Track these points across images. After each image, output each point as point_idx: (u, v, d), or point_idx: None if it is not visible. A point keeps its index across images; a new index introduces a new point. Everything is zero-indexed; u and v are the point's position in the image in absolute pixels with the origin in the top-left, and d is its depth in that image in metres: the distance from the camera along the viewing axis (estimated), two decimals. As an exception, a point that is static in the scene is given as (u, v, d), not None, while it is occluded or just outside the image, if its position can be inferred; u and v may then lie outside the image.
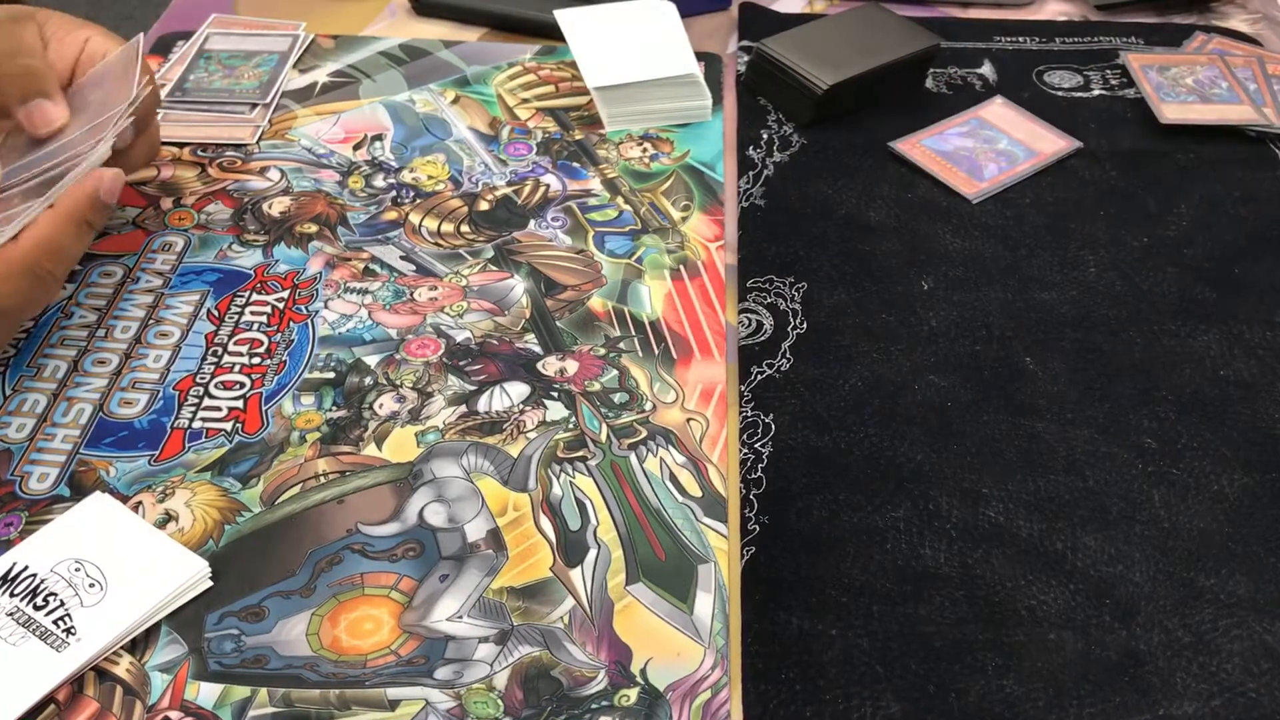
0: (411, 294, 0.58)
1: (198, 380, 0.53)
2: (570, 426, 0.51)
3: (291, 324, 0.56)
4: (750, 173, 0.67)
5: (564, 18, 0.73)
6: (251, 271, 0.59)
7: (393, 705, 0.41)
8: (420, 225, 0.62)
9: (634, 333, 0.56)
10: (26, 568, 0.43)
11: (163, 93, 0.70)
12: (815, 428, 0.52)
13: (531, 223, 0.63)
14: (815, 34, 0.72)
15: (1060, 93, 0.74)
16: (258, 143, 0.68)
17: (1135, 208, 0.65)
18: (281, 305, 0.57)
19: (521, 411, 0.52)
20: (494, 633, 0.43)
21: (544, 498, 0.48)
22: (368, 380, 0.53)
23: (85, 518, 0.46)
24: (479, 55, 0.76)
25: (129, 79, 0.54)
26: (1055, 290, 0.59)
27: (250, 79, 0.71)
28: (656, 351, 0.55)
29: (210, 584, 0.44)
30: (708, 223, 0.63)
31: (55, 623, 0.42)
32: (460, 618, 0.44)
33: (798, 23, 0.75)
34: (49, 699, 0.40)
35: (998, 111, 0.72)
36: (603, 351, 0.55)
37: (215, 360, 0.54)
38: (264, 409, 0.52)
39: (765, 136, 0.70)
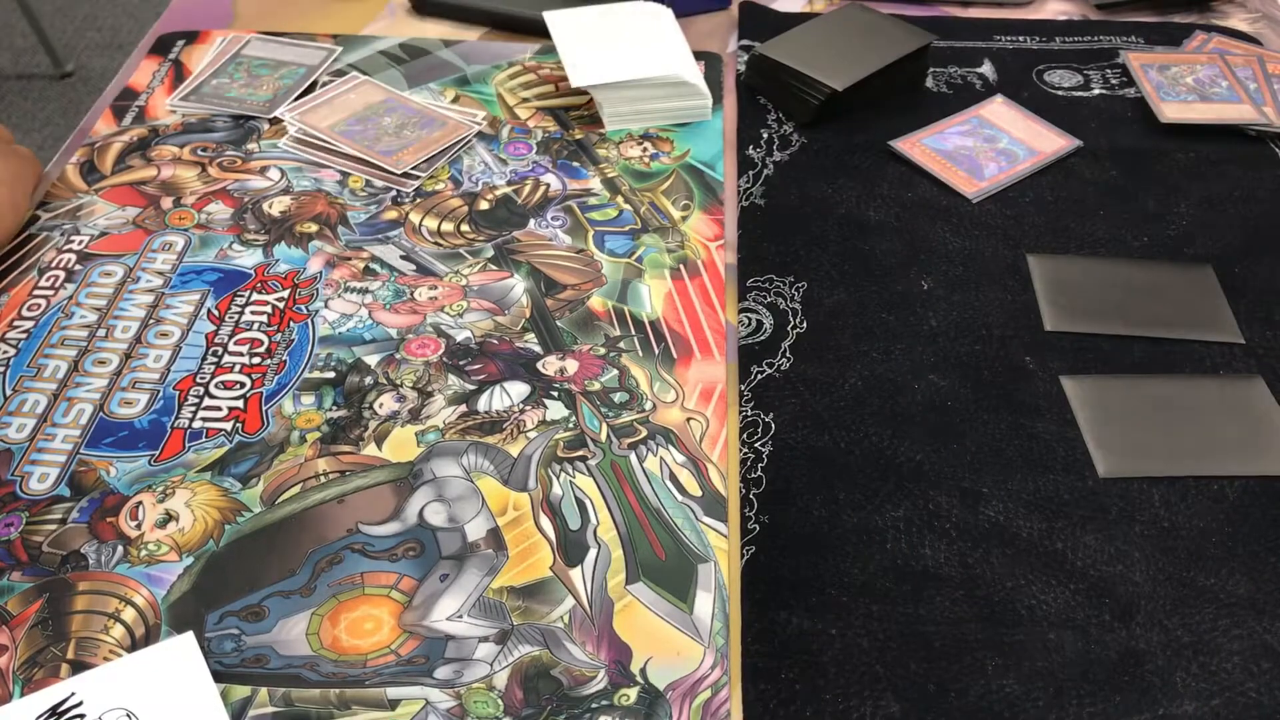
0: (411, 293, 0.58)
1: (198, 380, 0.53)
2: (570, 426, 0.51)
3: (292, 324, 0.56)
4: (750, 172, 0.67)
5: (552, 17, 0.73)
6: (252, 271, 0.59)
7: (393, 705, 0.41)
8: (420, 225, 0.62)
9: (634, 332, 0.56)
10: (80, 704, 0.41)
11: (181, 90, 0.71)
12: (815, 427, 0.52)
13: (531, 222, 0.63)
14: (810, 36, 0.72)
15: (1060, 92, 0.74)
16: (258, 142, 0.68)
17: (1135, 207, 0.65)
18: (282, 305, 0.57)
19: (521, 411, 0.52)
20: (494, 632, 0.43)
21: (544, 497, 0.48)
22: (368, 380, 0.53)
23: (160, 660, 0.42)
24: (479, 54, 0.76)
25: None
26: (1055, 290, 0.59)
27: (267, 90, 0.71)
28: (656, 351, 0.55)
29: None
30: (708, 222, 0.63)
31: None
32: (460, 617, 0.44)
33: (797, 22, 0.75)
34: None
35: (998, 110, 0.72)
36: (603, 351, 0.55)
37: (215, 360, 0.54)
38: (264, 409, 0.52)
39: (765, 136, 0.70)
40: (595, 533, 0.47)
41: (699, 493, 0.49)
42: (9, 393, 0.52)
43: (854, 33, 0.72)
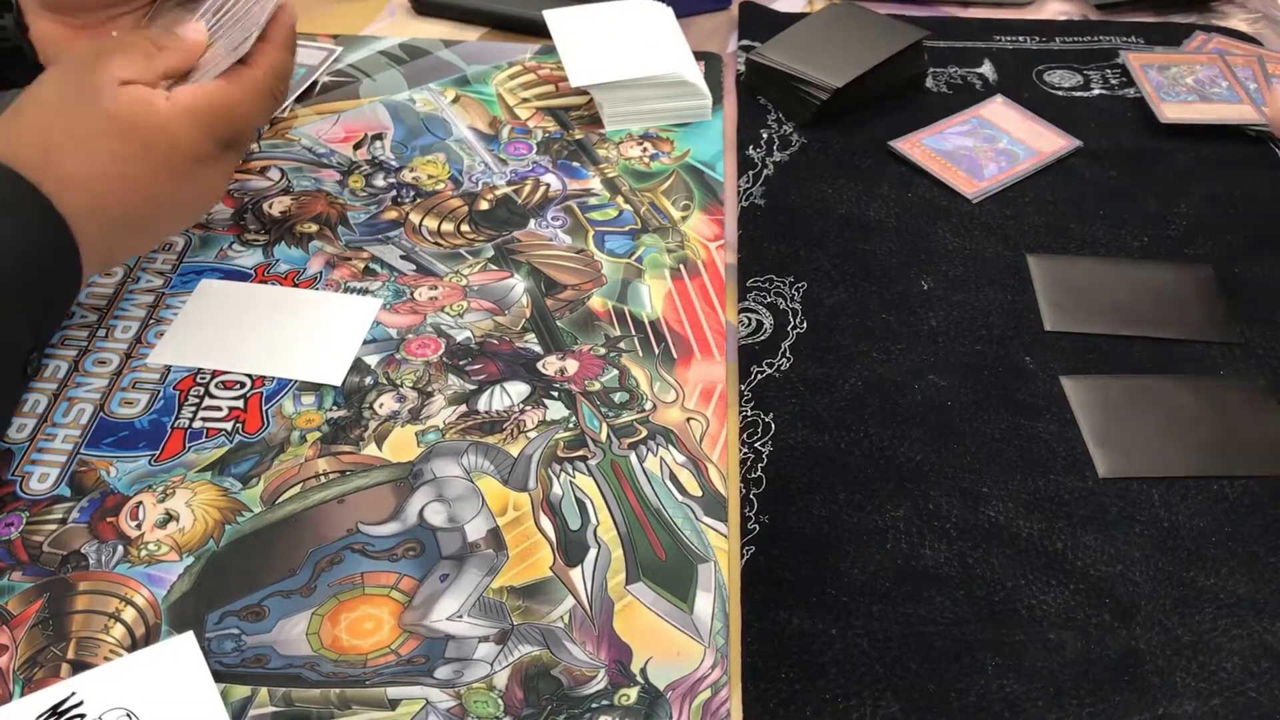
0: (412, 293, 0.58)
1: (198, 380, 0.53)
2: (570, 426, 0.51)
3: (292, 324, 0.56)
4: (750, 172, 0.67)
5: (551, 16, 0.73)
6: (252, 271, 0.59)
7: (393, 705, 0.41)
8: (420, 225, 0.62)
9: (634, 332, 0.56)
10: (80, 703, 0.40)
11: None
12: (815, 427, 0.52)
13: (531, 222, 0.63)
14: (804, 36, 0.72)
15: (1060, 92, 0.74)
16: (258, 142, 0.68)
17: (1135, 208, 0.65)
18: (282, 305, 0.57)
19: (521, 411, 0.52)
20: (494, 632, 0.43)
21: (544, 497, 0.48)
22: (368, 380, 0.53)
23: (160, 660, 0.42)
24: (479, 55, 0.76)
25: None
26: (1055, 290, 0.59)
27: None
28: (656, 351, 0.55)
29: None
30: (708, 222, 0.63)
31: None
32: (460, 617, 0.44)
33: (797, 22, 0.75)
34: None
35: (998, 110, 0.72)
36: (603, 351, 0.55)
37: (215, 360, 0.54)
38: (264, 409, 0.52)
39: (765, 136, 0.70)
40: (595, 533, 0.47)
41: (699, 493, 0.49)
42: (9, 393, 0.52)
43: (847, 31, 0.72)
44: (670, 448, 0.50)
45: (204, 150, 0.50)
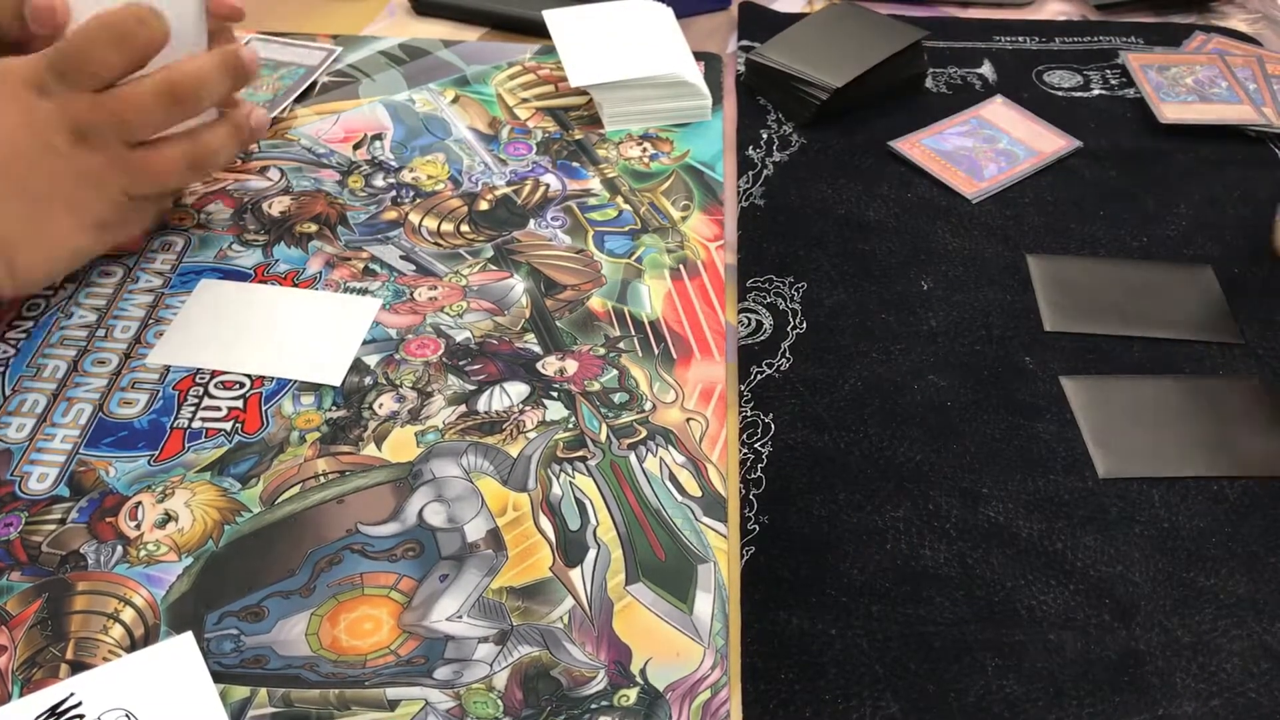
0: (411, 294, 0.58)
1: (197, 380, 0.53)
2: (570, 426, 0.51)
3: (291, 324, 0.56)
4: (750, 172, 0.67)
5: (551, 16, 0.73)
6: (251, 271, 0.59)
7: (392, 705, 0.41)
8: (420, 225, 0.62)
9: (634, 332, 0.56)
10: (79, 704, 0.40)
11: None
12: (815, 428, 0.52)
13: (531, 222, 0.63)
14: (804, 36, 0.72)
15: (1060, 92, 0.74)
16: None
17: (1135, 208, 0.65)
18: (281, 305, 0.57)
19: (521, 411, 0.52)
20: (493, 633, 0.43)
21: (544, 498, 0.48)
22: (367, 380, 0.53)
23: (159, 660, 0.42)
24: (479, 55, 0.76)
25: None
26: (1055, 290, 0.59)
27: (266, 90, 0.71)
28: (656, 351, 0.55)
29: None
30: (707, 222, 0.63)
31: None
32: (460, 618, 0.44)
33: (797, 22, 0.75)
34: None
35: (998, 111, 0.72)
36: (602, 351, 0.55)
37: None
38: (264, 409, 0.52)
39: (765, 136, 0.70)
40: (595, 533, 0.47)
41: (699, 493, 0.49)
42: (9, 392, 0.52)
43: (847, 31, 0.72)
44: (670, 448, 0.50)
45: (36, 72, 0.50)
